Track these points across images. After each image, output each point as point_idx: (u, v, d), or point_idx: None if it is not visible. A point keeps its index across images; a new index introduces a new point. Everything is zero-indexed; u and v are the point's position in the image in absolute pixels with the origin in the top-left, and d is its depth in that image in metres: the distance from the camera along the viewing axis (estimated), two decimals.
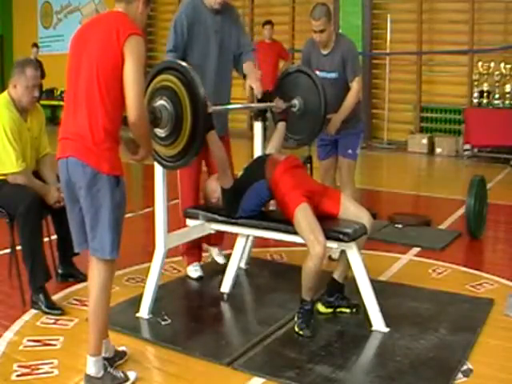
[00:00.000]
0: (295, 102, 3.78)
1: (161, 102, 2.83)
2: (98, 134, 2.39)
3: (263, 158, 3.40)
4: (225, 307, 3.49)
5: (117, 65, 2.37)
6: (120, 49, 2.36)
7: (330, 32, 3.96)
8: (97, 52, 2.40)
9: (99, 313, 2.53)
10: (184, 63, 2.98)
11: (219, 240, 4.02)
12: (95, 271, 2.52)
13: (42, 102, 8.85)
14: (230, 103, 3.92)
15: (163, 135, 2.89)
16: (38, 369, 2.71)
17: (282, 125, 3.67)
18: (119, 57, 2.36)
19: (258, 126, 3.95)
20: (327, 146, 4.27)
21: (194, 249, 3.87)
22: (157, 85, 2.91)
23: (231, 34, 3.76)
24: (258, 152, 3.95)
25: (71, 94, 2.48)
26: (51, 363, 2.76)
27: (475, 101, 9.03)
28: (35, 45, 11.91)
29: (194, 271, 3.86)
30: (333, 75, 4.03)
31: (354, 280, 3.13)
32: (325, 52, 4.05)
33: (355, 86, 4.01)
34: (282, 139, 3.67)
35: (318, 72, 4.01)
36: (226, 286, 3.56)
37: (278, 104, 3.68)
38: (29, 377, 2.65)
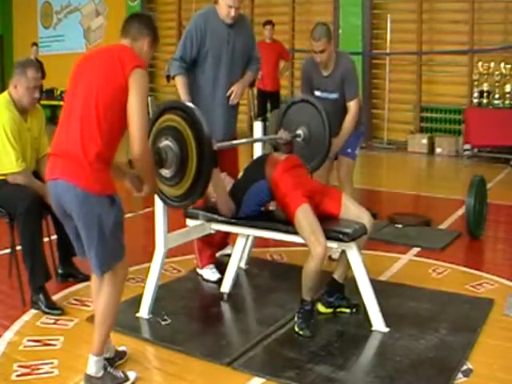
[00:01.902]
0: (300, 132, 3.77)
1: (166, 143, 2.77)
2: (90, 154, 2.35)
3: (263, 158, 3.39)
4: (225, 307, 3.49)
5: (118, 93, 2.36)
6: (124, 79, 2.36)
7: (330, 52, 3.96)
8: (99, 77, 2.39)
9: (107, 318, 2.52)
10: (189, 103, 2.95)
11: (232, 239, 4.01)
12: (101, 281, 2.53)
13: (42, 102, 8.88)
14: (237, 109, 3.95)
15: (168, 175, 2.84)
16: (38, 369, 2.71)
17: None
18: (122, 86, 2.36)
19: (258, 126, 3.96)
20: None
21: (207, 250, 3.86)
22: (161, 125, 2.85)
23: (243, 45, 3.78)
24: (257, 152, 3.95)
25: (66, 113, 2.46)
26: (51, 363, 2.76)
27: (475, 101, 9.02)
28: (35, 44, 11.90)
29: (211, 274, 3.82)
30: (334, 96, 4.05)
31: (354, 280, 3.13)
32: (325, 73, 4.05)
33: (353, 108, 4.02)
34: None
35: (319, 92, 4.04)
36: (225, 286, 3.56)
37: (283, 136, 3.68)
38: (29, 377, 2.65)
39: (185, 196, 2.87)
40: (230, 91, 3.75)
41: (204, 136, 2.71)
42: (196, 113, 2.75)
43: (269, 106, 8.67)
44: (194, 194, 2.83)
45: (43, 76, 10.84)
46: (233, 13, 3.61)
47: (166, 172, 2.83)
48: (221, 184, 3.23)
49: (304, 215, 2.99)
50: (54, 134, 2.51)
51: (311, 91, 4.12)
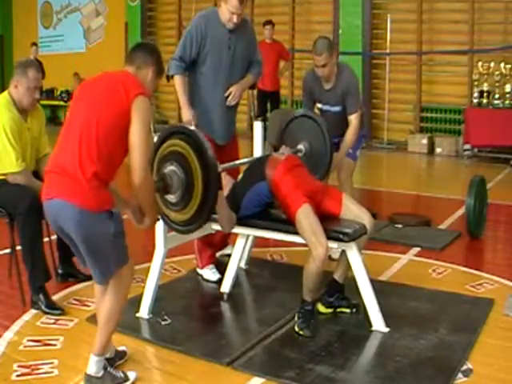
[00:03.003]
0: (301, 147, 3.76)
1: (171, 168, 2.73)
2: (87, 173, 2.33)
3: (263, 160, 3.39)
4: (225, 307, 3.49)
5: (120, 118, 2.35)
6: (127, 105, 2.35)
7: (331, 66, 3.97)
8: (101, 100, 2.38)
9: (111, 320, 2.52)
10: (192, 127, 2.94)
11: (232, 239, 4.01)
12: (107, 285, 2.53)
13: (42, 102, 8.88)
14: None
15: (174, 201, 2.80)
16: (38, 369, 2.71)
17: (286, 150, 3.66)
18: (125, 112, 2.34)
19: (258, 126, 3.96)
20: None
21: (208, 250, 3.86)
22: (165, 150, 2.81)
23: (244, 50, 3.77)
24: (257, 152, 3.95)
25: (66, 131, 2.44)
26: (51, 363, 2.76)
27: (475, 101, 9.01)
28: (34, 44, 11.90)
29: (211, 274, 3.82)
30: (336, 108, 4.07)
31: (354, 280, 3.13)
32: (327, 87, 4.06)
33: (354, 122, 4.03)
34: None
35: (321, 105, 4.04)
36: (225, 286, 3.56)
37: (285, 152, 3.67)
38: (29, 377, 2.65)
39: (190, 221, 2.81)
40: (228, 92, 3.74)
41: (209, 160, 2.66)
42: (200, 137, 2.71)
43: (269, 105, 8.66)
44: (200, 219, 2.78)
45: (43, 76, 10.85)
46: (235, 19, 3.59)
47: (171, 197, 2.79)
48: (223, 203, 3.17)
49: (305, 216, 2.99)
50: (55, 133, 2.51)
51: (313, 103, 4.13)
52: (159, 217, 2.83)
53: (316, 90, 4.10)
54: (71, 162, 2.35)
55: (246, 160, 3.69)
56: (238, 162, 3.70)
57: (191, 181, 2.70)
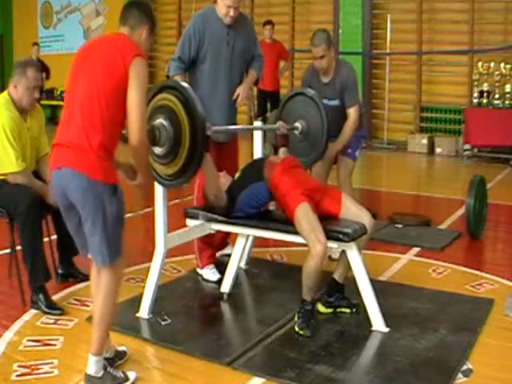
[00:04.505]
0: (298, 124, 3.78)
1: (160, 121, 2.80)
2: (93, 143, 2.37)
3: (260, 162, 3.39)
4: (225, 307, 3.49)
5: (120, 84, 2.37)
6: (125, 69, 2.37)
7: (330, 58, 3.98)
8: (100, 67, 2.40)
9: (105, 316, 2.52)
10: (184, 83, 2.97)
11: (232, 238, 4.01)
12: (100, 277, 2.52)
13: (42, 102, 8.90)
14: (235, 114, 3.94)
15: (161, 154, 2.87)
16: (38, 369, 2.71)
17: (282, 151, 3.67)
18: (123, 76, 2.37)
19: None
20: None
21: (208, 250, 3.86)
22: (157, 103, 2.88)
23: (243, 45, 3.77)
24: (257, 152, 3.95)
25: (69, 105, 2.47)
26: (51, 363, 2.76)
27: (475, 101, 9.02)
28: (36, 44, 11.91)
29: (211, 274, 3.82)
30: (334, 102, 4.06)
31: (353, 280, 3.13)
32: (325, 80, 4.07)
33: (352, 115, 4.04)
34: None
35: None
36: (225, 286, 3.56)
37: (281, 126, 3.68)
38: (29, 377, 2.65)
39: (177, 175, 2.90)
40: (236, 94, 3.74)
41: (198, 117, 2.75)
42: (191, 94, 2.78)
43: (269, 105, 8.66)
44: (186, 173, 2.87)
45: (48, 76, 10.88)
46: (232, 13, 3.60)
47: (158, 150, 2.86)
48: (210, 164, 3.16)
49: (304, 214, 2.99)
50: (54, 133, 2.52)
51: None
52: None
53: (314, 83, 4.10)
54: (77, 134, 2.39)
55: (241, 126, 3.70)
56: (232, 127, 3.73)
57: (179, 135, 2.77)
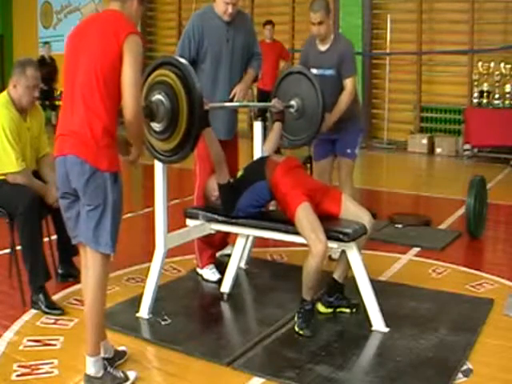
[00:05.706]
0: (293, 102, 3.78)
1: (157, 97, 2.83)
2: (97, 131, 2.40)
3: (263, 160, 3.40)
4: (225, 307, 3.49)
5: (116, 62, 2.39)
6: (119, 47, 2.38)
7: (328, 26, 4.00)
8: (95, 50, 2.41)
9: (96, 310, 2.51)
10: (182, 59, 2.99)
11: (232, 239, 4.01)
12: (91, 268, 2.52)
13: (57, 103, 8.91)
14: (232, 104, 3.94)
15: (159, 129, 2.90)
16: (38, 369, 2.71)
17: (277, 125, 3.67)
18: (118, 55, 2.38)
19: (257, 126, 3.95)
20: (325, 145, 4.26)
21: (208, 250, 3.86)
22: (155, 79, 2.92)
23: (243, 43, 3.77)
24: (257, 152, 3.95)
25: (68, 92, 2.49)
26: (51, 363, 2.76)
27: (475, 101, 9.02)
28: (47, 42, 12.00)
29: (211, 274, 3.82)
30: (330, 72, 4.04)
31: (354, 280, 3.13)
32: (323, 48, 4.08)
33: (349, 85, 4.04)
34: (278, 139, 3.68)
35: (315, 70, 4.03)
36: (225, 286, 3.56)
37: (276, 104, 3.69)
38: (29, 377, 2.65)
39: (174, 151, 2.93)
40: (233, 93, 3.74)
41: (195, 93, 2.77)
42: (189, 70, 2.82)
43: None
44: (184, 149, 2.89)
45: (56, 76, 10.88)
46: (230, 9, 3.60)
47: (156, 126, 2.88)
48: (215, 143, 3.24)
49: (304, 213, 3.00)
50: (54, 136, 2.52)
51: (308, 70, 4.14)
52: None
53: (311, 53, 4.12)
54: (79, 123, 2.41)
55: (237, 104, 3.73)
56: (227, 104, 3.70)
57: (177, 111, 2.80)
